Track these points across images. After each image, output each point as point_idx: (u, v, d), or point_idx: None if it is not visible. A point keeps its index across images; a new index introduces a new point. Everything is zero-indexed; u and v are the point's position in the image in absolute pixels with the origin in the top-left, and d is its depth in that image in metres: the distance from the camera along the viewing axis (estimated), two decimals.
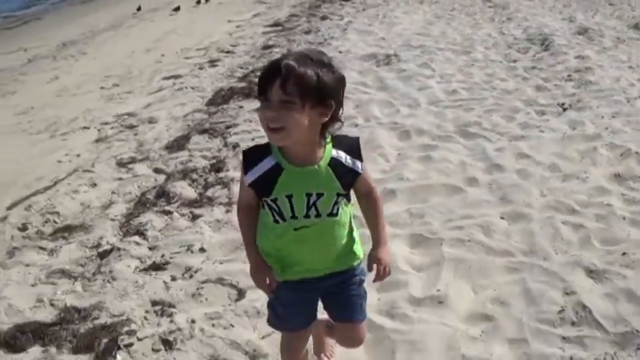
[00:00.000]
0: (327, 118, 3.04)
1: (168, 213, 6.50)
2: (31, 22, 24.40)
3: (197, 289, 5.20)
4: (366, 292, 3.62)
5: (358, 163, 3.26)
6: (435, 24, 14.89)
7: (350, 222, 3.42)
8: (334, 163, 3.18)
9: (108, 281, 5.40)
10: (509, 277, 5.20)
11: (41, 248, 6.17)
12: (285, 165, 3.12)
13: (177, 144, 8.35)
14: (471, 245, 5.62)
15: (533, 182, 6.75)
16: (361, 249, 3.51)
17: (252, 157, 3.19)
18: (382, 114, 9.03)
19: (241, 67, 12.02)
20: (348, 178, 3.23)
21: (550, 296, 4.91)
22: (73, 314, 5.01)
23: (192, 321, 4.77)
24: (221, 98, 10.18)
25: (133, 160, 7.96)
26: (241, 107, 9.62)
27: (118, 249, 5.89)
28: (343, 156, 3.21)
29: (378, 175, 6.95)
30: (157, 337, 4.62)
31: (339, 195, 3.21)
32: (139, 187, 7.23)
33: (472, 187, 6.71)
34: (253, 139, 8.16)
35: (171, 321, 4.80)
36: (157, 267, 5.58)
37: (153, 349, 4.52)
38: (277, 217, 3.20)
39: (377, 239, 3.52)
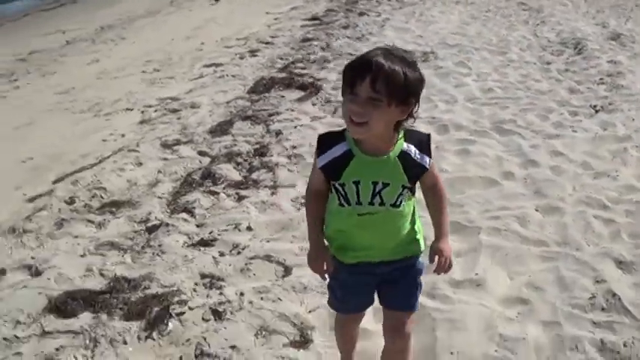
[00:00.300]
0: (406, 116, 3.16)
1: (215, 193, 6.71)
2: (66, 4, 24.79)
3: (245, 264, 5.43)
4: (421, 284, 3.70)
5: (426, 159, 3.35)
6: (470, 24, 15.01)
7: (412, 214, 3.52)
8: (403, 155, 3.27)
9: (157, 254, 5.62)
10: (543, 265, 5.46)
11: (89, 221, 6.39)
12: (356, 152, 3.22)
13: (221, 129, 8.55)
14: (507, 234, 5.88)
15: (566, 178, 7.00)
16: (422, 242, 3.60)
17: (325, 142, 3.31)
18: (420, 109, 9.14)
19: (281, 58, 12.19)
20: (415, 171, 3.32)
21: (582, 284, 5.18)
22: (122, 284, 5.22)
23: (241, 294, 5.00)
24: (262, 87, 10.36)
25: (177, 142, 8.18)
26: (282, 97, 9.82)
27: (167, 224, 6.12)
28: (413, 150, 3.30)
29: None
30: (207, 308, 4.85)
31: (404, 187, 3.30)
32: (184, 167, 7.44)
33: (508, 180, 6.95)
34: (295, 127, 8.42)
35: (221, 293, 5.02)
36: (205, 243, 5.79)
37: (203, 319, 4.74)
38: (343, 201, 3.31)
39: (439, 231, 3.60)
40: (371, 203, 3.29)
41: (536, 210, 6.35)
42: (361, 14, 16.10)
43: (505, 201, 6.46)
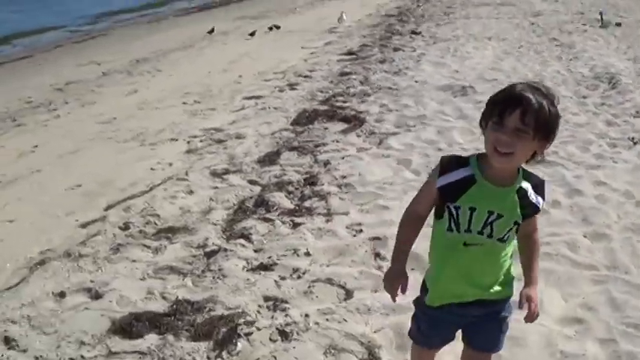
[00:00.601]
0: (544, 151, 3.27)
1: (269, 220, 6.89)
2: (97, 37, 25.29)
3: (308, 287, 5.60)
4: (508, 327, 3.75)
5: (540, 200, 3.45)
6: (504, 60, 15.20)
7: (511, 256, 3.56)
8: (522, 192, 3.36)
9: (218, 278, 5.80)
10: (595, 288, 5.71)
11: (145, 246, 6.56)
12: (479, 178, 3.31)
13: (269, 159, 8.76)
14: (559, 259, 6.14)
15: (610, 206, 7.26)
16: (514, 285, 3.65)
17: (450, 163, 3.40)
18: (464, 140, 9.45)
19: (321, 92, 12.41)
20: (528, 210, 3.40)
21: (634, 304, 5.46)
22: (186, 306, 5.39)
23: (306, 315, 5.17)
24: (305, 119, 10.58)
25: (226, 172, 8.37)
26: (326, 128, 10.02)
27: (225, 250, 6.29)
28: (530, 189, 3.39)
29: None
30: (274, 329, 5.02)
31: (515, 223, 3.37)
32: (235, 195, 7.62)
33: (555, 208, 7.17)
34: (343, 158, 8.63)
35: (286, 315, 5.19)
36: (264, 267, 5.97)
37: (271, 339, 4.91)
38: (452, 225, 3.36)
39: (530, 278, 3.65)
40: (480, 233, 3.34)
41: (585, 236, 6.59)
42: (396, 49, 16.33)
43: (554, 227, 6.67)
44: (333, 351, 4.79)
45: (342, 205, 7.20)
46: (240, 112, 11.43)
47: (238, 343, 4.84)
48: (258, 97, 12.40)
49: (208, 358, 4.77)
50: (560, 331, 5.03)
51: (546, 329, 5.03)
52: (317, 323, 5.07)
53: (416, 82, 12.88)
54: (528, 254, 3.71)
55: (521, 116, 3.06)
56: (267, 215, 7.02)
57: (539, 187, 3.45)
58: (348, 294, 5.54)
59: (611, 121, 10.32)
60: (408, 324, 4.79)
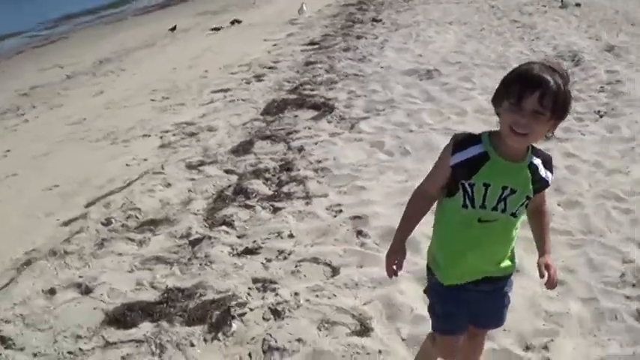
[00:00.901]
0: (554, 130, 3.33)
1: (250, 207, 7.00)
2: (58, 41, 25.14)
3: (295, 266, 5.73)
4: (510, 300, 3.86)
5: (550, 175, 3.51)
6: (467, 43, 15.43)
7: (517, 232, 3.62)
8: (533, 167, 3.42)
9: (206, 264, 5.89)
10: (573, 252, 6.00)
11: (129, 239, 6.63)
12: (492, 154, 3.33)
13: (243, 148, 8.85)
14: None
15: (581, 176, 7.56)
16: (516, 260, 3.73)
17: (462, 142, 3.40)
18: (433, 121, 9.62)
19: (288, 81, 12.50)
20: (538, 185, 3.46)
21: (611, 265, 5.76)
22: (176, 294, 5.48)
23: (296, 293, 5.30)
24: (275, 108, 10.67)
25: (202, 163, 8.44)
26: (297, 116, 10.14)
27: (209, 237, 6.39)
28: (540, 164, 3.46)
29: None
30: (266, 308, 5.15)
31: (527, 197, 3.42)
32: (214, 185, 7.71)
33: None
34: (316, 143, 8.76)
35: (276, 294, 5.31)
36: (250, 251, 6.08)
37: (264, 318, 5.04)
38: (467, 202, 3.38)
39: (545, 248, 3.74)
40: (494, 208, 3.39)
41: (559, 205, 6.84)
42: (359, 37, 16.44)
43: None
44: (326, 325, 4.92)
45: (320, 188, 7.33)
46: (210, 106, 11.49)
47: (233, 324, 4.95)
48: (225, 90, 12.46)
49: (205, 340, 4.88)
50: (544, 292, 5.21)
51: (530, 292, 5.23)
52: (307, 300, 5.20)
53: (381, 67, 13.03)
54: (540, 225, 3.80)
55: (540, 99, 3.10)
56: (247, 202, 7.12)
57: (547, 162, 3.52)
58: (335, 271, 5.67)
59: (576, 96, 10.52)
60: (397, 296, 5.00)
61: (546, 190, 3.58)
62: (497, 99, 3.28)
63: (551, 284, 3.62)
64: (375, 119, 9.78)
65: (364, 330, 4.87)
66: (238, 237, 6.42)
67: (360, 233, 6.28)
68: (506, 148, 3.32)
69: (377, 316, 5.02)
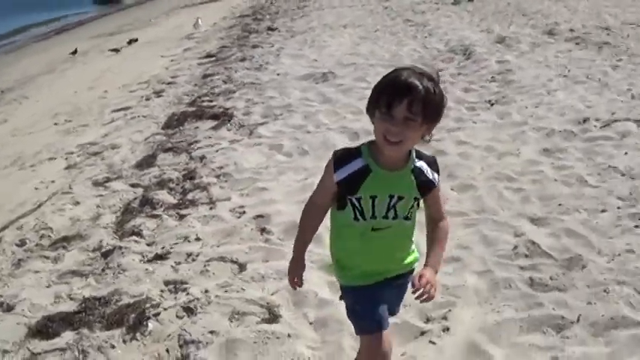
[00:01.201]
0: (430, 133, 3.33)
1: (157, 216, 7.22)
2: None
3: (203, 266, 5.98)
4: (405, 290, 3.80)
5: (436, 176, 3.54)
6: (361, 44, 15.93)
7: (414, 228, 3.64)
8: (417, 171, 3.43)
9: (119, 273, 6.09)
10: (468, 230, 6.36)
11: (45, 257, 6.75)
12: (373, 167, 3.35)
13: (146, 162, 9.06)
14: None
15: (473, 161, 7.96)
16: (417, 253, 3.79)
17: (343, 157, 3.41)
18: (329, 121, 10.00)
19: (187, 95, 12.73)
20: (425, 187, 3.48)
21: (504, 239, 6.13)
22: (94, 302, 5.65)
23: (207, 291, 5.55)
24: (175, 122, 10.89)
25: (107, 180, 8.61)
26: (197, 127, 10.39)
27: (120, 247, 6.58)
28: (425, 166, 3.48)
29: None
30: (179, 307, 5.38)
31: (415, 199, 3.45)
32: (120, 199, 7.89)
33: None
34: (217, 151, 9.03)
35: (188, 294, 5.56)
36: (160, 257, 6.30)
37: (177, 316, 5.27)
38: (358, 215, 3.40)
39: (429, 261, 3.59)
40: (385, 217, 3.41)
41: (452, 189, 7.22)
42: (255, 47, 16.77)
43: None
44: (237, 316, 5.19)
45: (223, 193, 7.58)
46: (112, 125, 11.64)
47: (149, 324, 5.17)
48: (126, 109, 12.63)
49: (124, 341, 5.07)
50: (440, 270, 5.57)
51: None
52: (217, 296, 5.46)
53: (278, 75, 13.36)
54: (432, 239, 3.71)
55: (409, 106, 3.10)
56: (154, 212, 7.34)
57: (432, 163, 3.55)
58: (242, 267, 5.94)
59: (468, 87, 11.07)
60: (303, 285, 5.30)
61: (439, 177, 3.59)
62: (370, 109, 3.30)
63: (420, 297, 3.38)
64: (273, 124, 10.08)
65: (273, 317, 5.16)
66: (148, 245, 6.63)
67: (263, 230, 6.56)
68: (386, 158, 3.35)
69: (284, 303, 5.31)
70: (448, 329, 4.91)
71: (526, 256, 5.85)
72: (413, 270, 3.74)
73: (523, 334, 4.93)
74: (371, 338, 3.69)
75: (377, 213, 3.40)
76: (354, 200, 3.39)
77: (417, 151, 3.49)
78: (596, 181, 7.25)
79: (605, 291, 5.30)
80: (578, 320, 5.01)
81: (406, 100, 3.10)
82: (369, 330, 3.69)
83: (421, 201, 3.56)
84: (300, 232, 3.74)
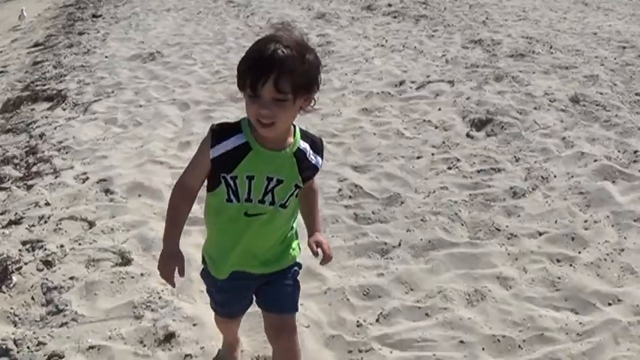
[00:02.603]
0: (310, 103, 3.03)
1: (5, 189, 7.30)
2: None
3: (56, 225, 6.21)
4: (299, 285, 3.54)
5: (319, 160, 3.24)
6: (185, 26, 16.26)
7: (293, 218, 3.39)
8: (300, 154, 3.13)
9: None
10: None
11: None
12: (254, 145, 3.02)
13: None
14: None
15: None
16: (299, 246, 3.54)
17: (221, 133, 3.06)
18: (160, 95, 10.31)
19: (19, 82, 12.55)
20: (308, 172, 3.20)
21: (329, 184, 6.72)
22: None
23: (62, 245, 5.82)
24: (12, 106, 10.80)
25: None
26: (33, 109, 10.38)
27: None
28: (308, 149, 3.17)
29: (170, 135, 8.32)
30: (39, 261, 5.62)
31: (296, 186, 3.15)
32: None
33: None
34: (55, 128, 9.13)
35: (45, 249, 5.79)
36: (14, 222, 6.44)
37: (38, 269, 5.52)
38: (232, 196, 3.08)
39: (315, 226, 3.46)
40: (261, 201, 3.10)
41: None
42: (81, 34, 16.54)
43: None
44: (92, 263, 5.52)
45: (65, 163, 7.73)
46: None
47: (13, 278, 5.39)
48: None
49: None
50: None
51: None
52: (72, 249, 5.74)
53: (106, 57, 13.37)
54: (308, 204, 3.50)
55: (276, 85, 2.77)
56: (2, 185, 7.43)
57: (317, 145, 3.27)
58: (91, 224, 6.22)
59: None
60: (149, 232, 5.72)
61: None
62: (240, 90, 2.93)
63: (327, 260, 3.33)
64: (106, 101, 10.23)
65: (126, 261, 5.53)
66: (1, 214, 6.75)
67: (107, 191, 6.84)
68: (269, 137, 3.02)
69: (134, 249, 5.69)
70: None
71: (350, 197, 6.52)
72: (291, 267, 3.48)
73: (351, 258, 5.58)
74: (221, 319, 3.91)
75: (252, 196, 3.08)
76: (228, 179, 3.05)
77: (302, 131, 3.22)
78: (411, 134, 8.00)
79: (422, 220, 6.01)
80: (399, 245, 5.69)
81: (271, 79, 2.75)
82: (219, 313, 3.79)
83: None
84: (169, 221, 3.23)
